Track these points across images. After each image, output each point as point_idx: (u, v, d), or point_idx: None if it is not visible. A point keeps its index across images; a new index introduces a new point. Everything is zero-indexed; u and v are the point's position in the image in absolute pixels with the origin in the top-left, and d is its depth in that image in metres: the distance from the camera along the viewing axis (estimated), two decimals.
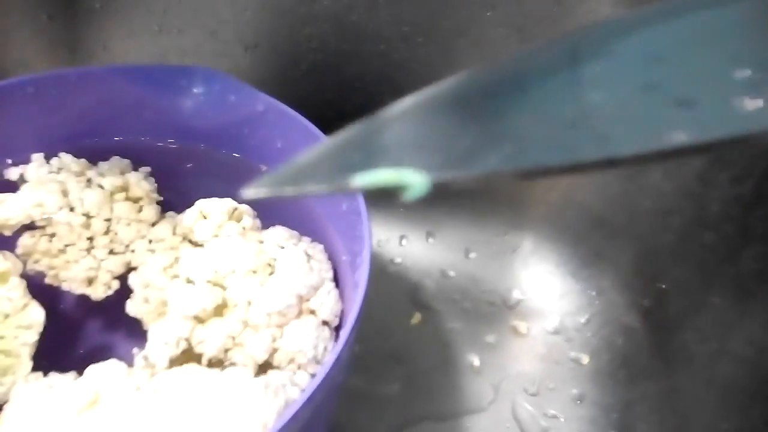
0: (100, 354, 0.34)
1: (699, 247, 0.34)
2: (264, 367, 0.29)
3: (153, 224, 0.33)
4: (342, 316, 0.31)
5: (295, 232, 0.33)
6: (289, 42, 0.42)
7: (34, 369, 0.29)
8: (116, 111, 0.35)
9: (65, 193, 0.32)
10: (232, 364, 0.29)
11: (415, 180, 0.12)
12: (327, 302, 0.31)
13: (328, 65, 0.43)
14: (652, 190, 0.38)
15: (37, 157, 0.34)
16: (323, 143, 0.14)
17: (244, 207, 0.33)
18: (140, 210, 0.33)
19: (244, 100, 0.34)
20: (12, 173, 0.33)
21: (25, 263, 0.32)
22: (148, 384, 0.27)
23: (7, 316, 0.28)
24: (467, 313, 0.44)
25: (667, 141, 0.11)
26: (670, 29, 0.13)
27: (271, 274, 0.30)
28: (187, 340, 0.29)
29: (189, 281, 0.30)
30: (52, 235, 0.32)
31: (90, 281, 0.32)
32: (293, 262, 0.30)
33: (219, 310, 0.30)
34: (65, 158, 0.34)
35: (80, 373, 0.28)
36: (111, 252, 0.32)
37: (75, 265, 0.32)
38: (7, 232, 0.31)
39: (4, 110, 0.33)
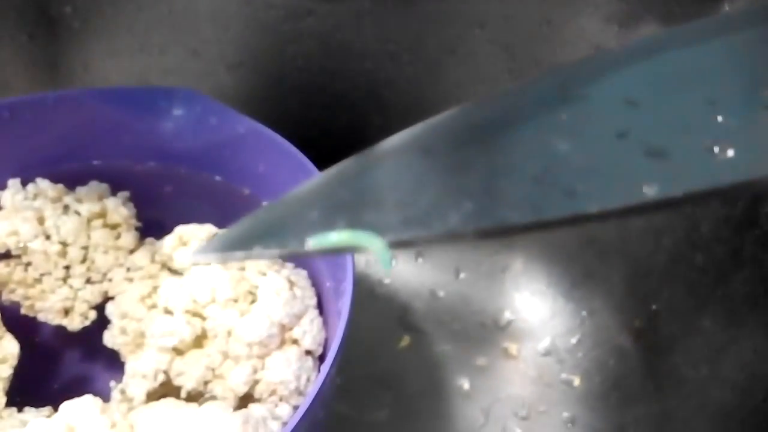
0: (76, 387, 0.33)
1: (690, 269, 0.33)
2: (245, 399, 0.29)
3: (131, 251, 0.32)
4: (326, 345, 0.31)
5: (277, 259, 0.32)
6: (273, 61, 0.42)
7: (8, 404, 0.28)
8: (95, 134, 0.35)
9: (41, 221, 0.31)
10: (212, 396, 0.29)
11: (370, 243, 0.12)
12: (310, 331, 0.30)
13: (314, 84, 0.42)
14: None
15: (13, 183, 0.33)
16: (278, 201, 0.13)
17: None
18: (118, 237, 0.32)
19: (225, 123, 0.34)
20: None
21: None
22: (124, 420, 0.26)
23: None
24: (457, 335, 0.43)
25: (636, 196, 0.11)
26: (646, 69, 0.12)
27: (252, 302, 0.30)
28: (165, 372, 0.28)
29: (167, 311, 0.29)
30: (28, 264, 0.31)
31: (66, 311, 0.31)
32: (275, 289, 0.30)
33: (198, 341, 0.29)
34: (42, 184, 0.33)
35: (56, 408, 0.27)
36: (88, 281, 0.31)
37: (51, 295, 0.31)
38: None
39: None
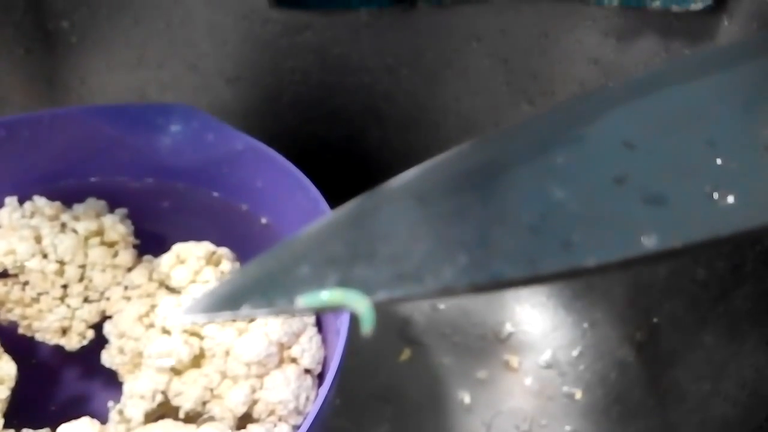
0: (74, 407, 0.33)
1: (691, 283, 0.33)
2: (243, 420, 0.28)
3: (129, 269, 0.32)
4: (325, 363, 0.30)
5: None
6: (271, 75, 0.42)
7: (6, 426, 0.28)
8: (92, 151, 0.35)
9: (38, 239, 0.31)
10: (211, 417, 0.28)
11: (359, 304, 0.11)
12: (309, 349, 0.30)
13: (312, 98, 0.42)
14: None
15: (10, 201, 0.33)
16: (266, 255, 0.13)
17: (223, 250, 0.32)
18: (116, 255, 0.32)
19: (222, 139, 0.33)
20: None
21: None
22: None
23: None
24: (458, 348, 0.43)
25: (635, 248, 0.10)
26: (643, 107, 0.12)
27: (250, 321, 0.30)
28: (163, 393, 0.28)
29: (165, 331, 0.29)
30: (25, 284, 0.31)
31: (64, 331, 0.31)
32: None
33: (196, 360, 0.29)
34: (39, 201, 0.33)
35: (54, 429, 0.27)
36: (85, 300, 0.31)
37: (48, 315, 0.31)
38: None
39: None
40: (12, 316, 0.31)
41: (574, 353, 0.42)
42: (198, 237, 0.33)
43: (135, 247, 0.33)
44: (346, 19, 0.38)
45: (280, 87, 0.42)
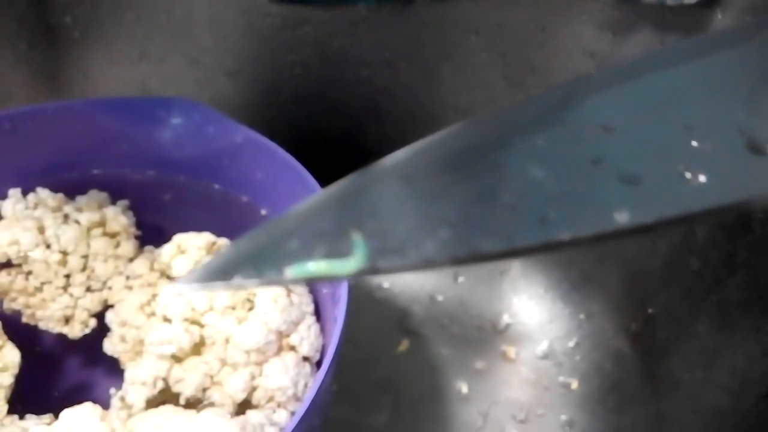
0: (77, 394, 0.34)
1: (686, 273, 0.34)
2: (243, 406, 0.29)
3: (130, 260, 0.33)
4: (323, 351, 0.31)
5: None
6: (271, 69, 0.42)
7: (10, 412, 0.29)
8: (94, 143, 0.35)
9: (42, 230, 0.32)
10: (211, 403, 0.29)
11: (346, 268, 0.12)
12: (308, 338, 0.30)
13: (312, 91, 0.43)
14: None
15: (14, 192, 0.33)
16: (257, 230, 0.13)
17: (223, 241, 0.32)
18: (117, 245, 0.33)
19: (222, 132, 0.34)
20: None
21: (1, 302, 0.31)
22: (124, 428, 0.27)
23: None
24: (456, 339, 0.44)
25: (608, 223, 0.11)
26: (624, 94, 0.13)
27: (250, 309, 0.30)
28: (164, 379, 0.29)
29: (166, 319, 0.30)
30: (29, 273, 0.32)
31: (67, 320, 0.31)
32: (273, 297, 0.30)
33: (196, 348, 0.29)
34: (42, 193, 0.33)
35: (56, 415, 0.28)
36: (88, 289, 0.32)
37: (52, 304, 0.31)
38: None
39: None
40: (16, 306, 0.32)
41: (571, 344, 0.43)
42: (198, 228, 0.34)
43: (136, 237, 0.34)
44: (345, 13, 0.38)
45: (280, 81, 0.43)
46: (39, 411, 0.29)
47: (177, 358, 0.29)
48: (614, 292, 0.41)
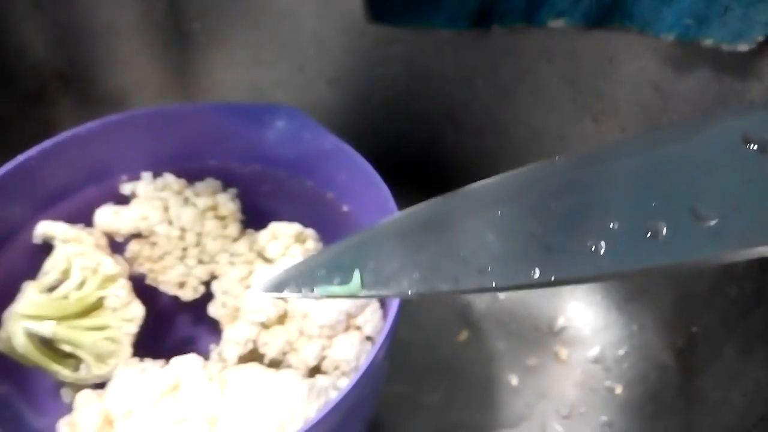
0: (185, 346, 0.40)
1: (725, 299, 0.36)
2: (314, 371, 0.35)
3: (234, 240, 0.39)
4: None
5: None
6: (364, 79, 0.47)
7: (133, 355, 0.35)
8: (212, 139, 0.41)
9: (166, 209, 0.39)
10: (288, 365, 0.35)
11: (350, 292, 0.17)
12: (371, 320, 0.35)
13: (398, 101, 0.47)
14: None
15: (146, 175, 0.40)
16: (302, 260, 0.19)
17: (309, 231, 0.38)
18: (225, 227, 0.39)
19: (315, 137, 0.39)
20: (126, 188, 0.40)
21: (131, 266, 0.38)
22: (219, 376, 0.33)
23: (115, 310, 0.35)
24: (512, 335, 0.47)
25: (526, 278, 0.15)
26: (576, 180, 0.17)
27: None
28: (253, 341, 0.35)
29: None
30: (154, 244, 0.38)
31: (181, 285, 0.38)
32: None
33: (281, 319, 0.35)
34: (168, 178, 0.40)
35: (168, 361, 0.33)
36: (199, 261, 0.38)
37: (170, 271, 0.38)
38: (120, 239, 0.38)
39: (123, 136, 0.40)
40: (142, 269, 0.38)
41: (621, 352, 0.45)
42: (291, 217, 0.39)
43: (240, 221, 0.40)
44: (431, 35, 0.42)
45: (371, 90, 0.48)
46: (155, 357, 0.35)
47: (265, 326, 0.35)
48: (666, 307, 0.44)
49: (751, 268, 0.33)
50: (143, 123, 0.40)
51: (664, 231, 0.16)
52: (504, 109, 0.44)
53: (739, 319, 0.34)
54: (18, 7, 0.47)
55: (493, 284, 0.16)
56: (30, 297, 0.34)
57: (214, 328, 0.37)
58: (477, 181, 0.18)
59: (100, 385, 0.34)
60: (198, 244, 0.38)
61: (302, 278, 0.19)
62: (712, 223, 0.16)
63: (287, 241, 0.37)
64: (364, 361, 0.28)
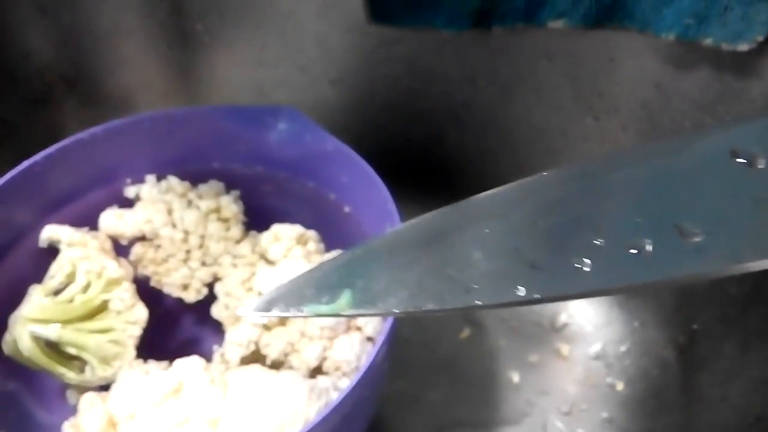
0: (188, 347, 0.41)
1: (725, 297, 0.36)
2: (315, 371, 0.35)
3: (237, 242, 0.39)
4: None
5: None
6: (367, 79, 0.47)
7: (137, 357, 0.36)
8: (215, 141, 0.42)
9: (170, 212, 0.39)
10: (290, 366, 0.35)
11: (339, 310, 0.17)
12: (372, 321, 0.36)
13: (400, 100, 0.47)
14: None
15: (150, 178, 0.41)
16: (290, 282, 0.19)
17: (311, 233, 0.39)
18: (228, 229, 0.39)
19: (317, 139, 0.40)
20: (130, 191, 0.40)
21: (135, 268, 0.39)
22: (221, 378, 0.34)
23: (119, 313, 0.36)
24: (514, 332, 0.48)
25: (511, 296, 0.15)
26: (559, 196, 0.17)
27: None
28: (255, 343, 0.35)
29: (261, 294, 0.36)
30: (158, 247, 0.39)
31: (185, 287, 0.38)
32: None
33: (282, 320, 0.36)
34: (172, 180, 0.41)
35: (171, 363, 0.34)
36: (203, 264, 0.39)
37: (174, 273, 0.38)
38: (124, 242, 0.39)
39: (127, 139, 0.40)
40: (146, 272, 0.39)
41: (623, 348, 0.46)
42: (293, 219, 0.40)
43: (243, 223, 0.41)
44: (433, 36, 0.42)
45: (374, 90, 0.48)
46: (158, 358, 0.36)
47: (267, 327, 0.36)
48: (667, 304, 0.44)
49: None
50: (146, 127, 0.41)
51: (650, 248, 0.16)
52: (505, 108, 0.44)
53: (737, 318, 0.34)
54: (22, 11, 0.47)
55: (479, 303, 0.16)
56: (36, 300, 0.34)
57: (217, 330, 0.38)
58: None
59: (105, 387, 0.35)
60: (201, 246, 0.39)
61: (291, 297, 0.19)
62: (698, 239, 0.16)
63: (289, 243, 0.38)
64: (365, 362, 0.29)
